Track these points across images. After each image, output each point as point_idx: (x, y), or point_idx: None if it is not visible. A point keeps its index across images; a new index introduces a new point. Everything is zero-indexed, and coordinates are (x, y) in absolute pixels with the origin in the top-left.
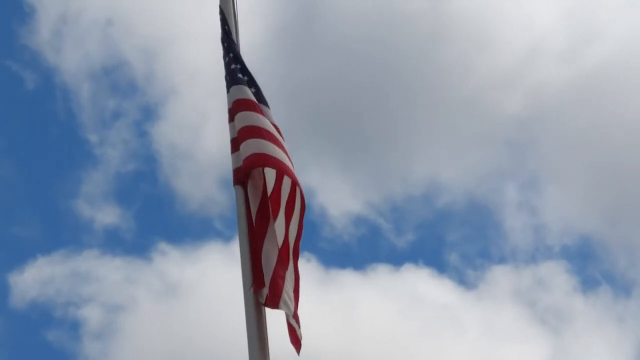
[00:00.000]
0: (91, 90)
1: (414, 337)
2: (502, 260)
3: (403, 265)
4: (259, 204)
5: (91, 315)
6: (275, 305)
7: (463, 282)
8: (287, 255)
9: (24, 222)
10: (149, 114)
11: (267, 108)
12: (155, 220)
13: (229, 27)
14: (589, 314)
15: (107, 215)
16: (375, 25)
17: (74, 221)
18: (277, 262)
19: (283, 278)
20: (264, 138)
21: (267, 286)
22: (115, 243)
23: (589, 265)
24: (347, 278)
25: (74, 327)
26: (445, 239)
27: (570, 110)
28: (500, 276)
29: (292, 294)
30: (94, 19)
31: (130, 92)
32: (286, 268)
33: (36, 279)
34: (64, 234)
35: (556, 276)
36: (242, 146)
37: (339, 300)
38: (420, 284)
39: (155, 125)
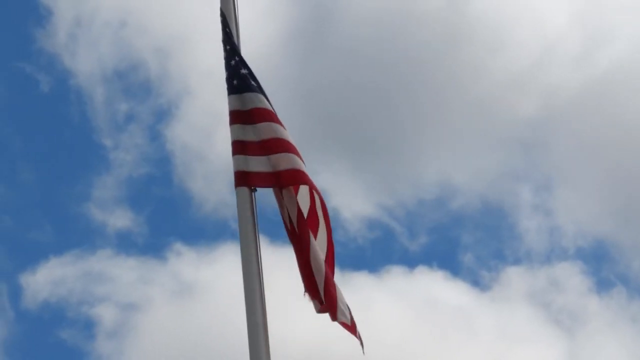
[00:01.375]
0: (105, 92)
1: (428, 339)
2: (516, 261)
3: (417, 268)
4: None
5: (105, 314)
6: (334, 317)
7: (477, 284)
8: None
9: (37, 225)
10: (162, 115)
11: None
12: (170, 221)
13: (230, 30)
14: (603, 315)
15: (122, 217)
16: (386, 29)
17: (88, 224)
18: (326, 271)
19: (334, 287)
20: (295, 153)
21: (322, 296)
22: (130, 244)
23: (604, 266)
24: (362, 281)
25: (88, 326)
26: (459, 241)
27: (583, 112)
28: (515, 277)
29: (345, 301)
30: (107, 21)
31: (144, 94)
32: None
33: (49, 279)
34: (78, 237)
35: (571, 277)
36: (275, 157)
37: (353, 302)
38: (434, 287)
39: (170, 126)
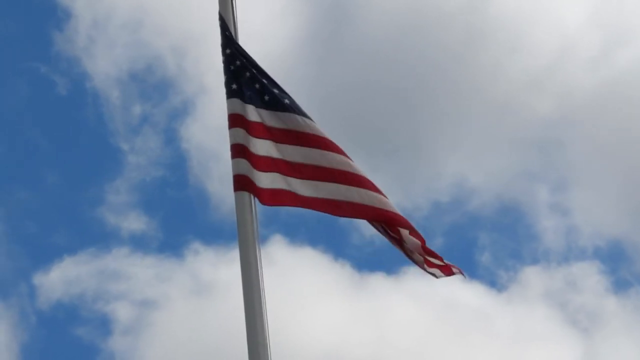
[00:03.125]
0: (121, 94)
1: (445, 340)
2: (533, 261)
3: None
4: None
5: (122, 311)
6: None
7: (494, 284)
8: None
9: (55, 228)
10: (179, 115)
11: (291, 113)
12: (188, 221)
13: (230, 33)
14: (620, 315)
15: (139, 219)
16: (404, 30)
17: (105, 228)
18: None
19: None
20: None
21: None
22: (147, 243)
23: (621, 266)
24: (379, 283)
25: (104, 323)
26: (476, 242)
27: (600, 112)
28: (532, 278)
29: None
30: (124, 21)
31: (160, 94)
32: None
33: (64, 277)
34: (96, 239)
35: (588, 277)
36: (346, 190)
37: (372, 304)
38: (450, 288)
39: (185, 126)
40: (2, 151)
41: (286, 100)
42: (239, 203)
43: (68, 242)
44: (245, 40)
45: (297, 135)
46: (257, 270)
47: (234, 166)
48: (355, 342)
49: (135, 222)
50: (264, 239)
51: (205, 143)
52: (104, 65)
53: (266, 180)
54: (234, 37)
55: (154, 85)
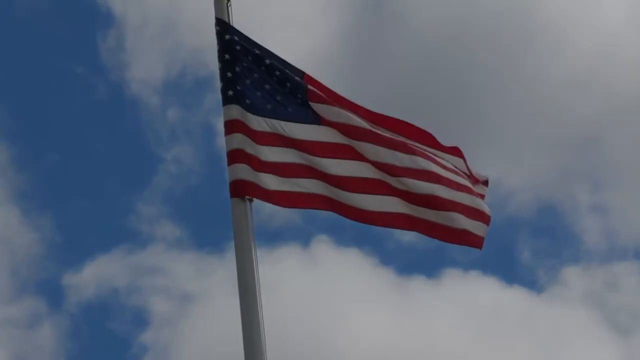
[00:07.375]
0: (160, 97)
1: (486, 343)
2: (573, 261)
3: (471, 273)
4: None
5: (161, 304)
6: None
7: (533, 285)
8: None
9: (92, 231)
10: (216, 113)
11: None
12: (229, 221)
13: (231, 37)
14: None
15: (179, 218)
16: (444, 33)
17: (143, 230)
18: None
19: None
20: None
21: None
22: (191, 238)
23: None
24: (420, 286)
25: (142, 315)
26: (515, 243)
27: None
28: (572, 278)
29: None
30: (159, 23)
31: (197, 93)
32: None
33: (103, 272)
34: (139, 239)
35: (628, 277)
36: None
37: (413, 308)
38: (491, 291)
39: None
40: (53, 158)
41: (289, 108)
42: (234, 209)
43: (105, 244)
44: (276, 46)
45: (301, 143)
46: (254, 276)
47: (230, 172)
48: (398, 345)
49: (176, 221)
50: (307, 239)
51: None
52: (142, 69)
53: (274, 182)
54: (235, 40)
55: (192, 85)
